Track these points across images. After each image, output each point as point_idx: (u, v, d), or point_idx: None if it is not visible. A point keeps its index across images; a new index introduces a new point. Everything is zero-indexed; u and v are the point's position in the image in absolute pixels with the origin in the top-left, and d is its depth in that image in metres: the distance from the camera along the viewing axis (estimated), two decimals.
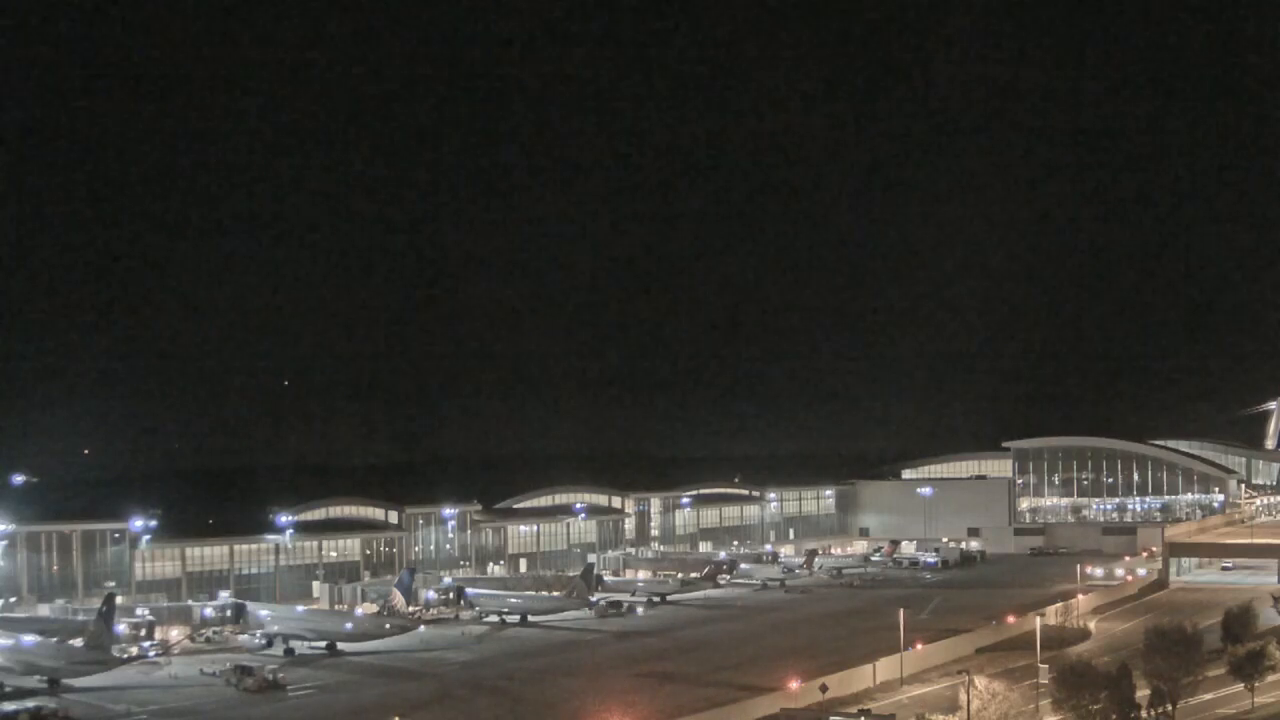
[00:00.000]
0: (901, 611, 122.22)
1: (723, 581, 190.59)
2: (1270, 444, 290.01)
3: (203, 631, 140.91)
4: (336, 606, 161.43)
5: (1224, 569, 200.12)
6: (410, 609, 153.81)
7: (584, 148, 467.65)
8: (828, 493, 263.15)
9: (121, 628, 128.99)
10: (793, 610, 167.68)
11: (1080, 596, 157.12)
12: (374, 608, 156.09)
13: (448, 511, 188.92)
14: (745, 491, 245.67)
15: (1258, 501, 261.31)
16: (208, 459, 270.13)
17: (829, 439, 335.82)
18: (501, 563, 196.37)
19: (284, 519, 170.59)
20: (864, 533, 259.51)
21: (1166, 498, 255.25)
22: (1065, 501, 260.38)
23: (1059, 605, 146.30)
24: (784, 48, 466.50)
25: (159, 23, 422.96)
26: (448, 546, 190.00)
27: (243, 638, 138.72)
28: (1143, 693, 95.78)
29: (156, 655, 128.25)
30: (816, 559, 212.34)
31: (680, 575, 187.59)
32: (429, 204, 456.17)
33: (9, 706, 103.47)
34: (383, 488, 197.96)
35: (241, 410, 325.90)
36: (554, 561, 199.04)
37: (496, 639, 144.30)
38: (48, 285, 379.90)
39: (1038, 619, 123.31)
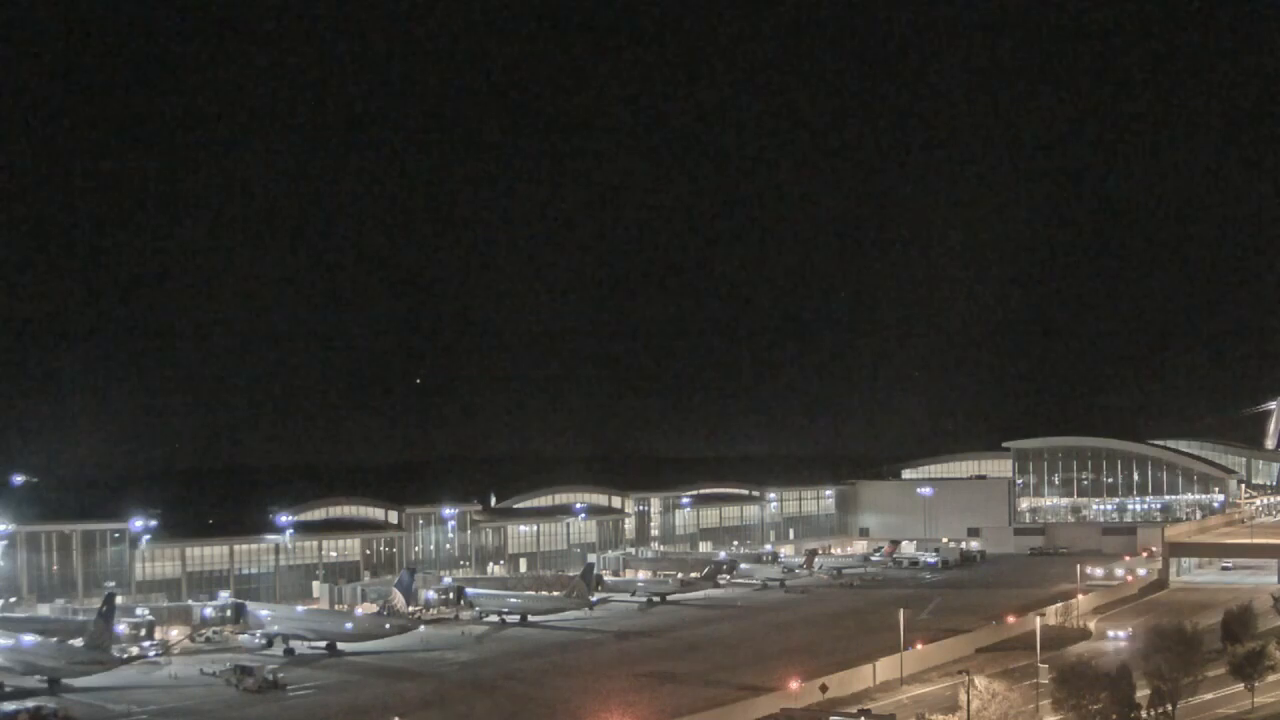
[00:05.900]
0: (901, 611, 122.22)
1: (723, 581, 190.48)
2: (1270, 444, 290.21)
3: (203, 631, 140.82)
4: (336, 606, 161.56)
5: (1224, 569, 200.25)
6: (410, 609, 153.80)
7: (585, 147, 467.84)
8: (828, 493, 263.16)
9: (121, 628, 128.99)
10: (793, 610, 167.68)
11: (1080, 596, 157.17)
12: (374, 608, 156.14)
13: (448, 511, 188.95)
14: (745, 491, 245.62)
15: (1258, 501, 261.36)
16: (208, 459, 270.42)
17: (829, 439, 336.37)
18: (501, 563, 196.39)
19: (284, 519, 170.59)
20: (864, 533, 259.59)
21: (1166, 498, 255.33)
22: (1065, 501, 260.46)
23: (1059, 605, 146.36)
24: (784, 47, 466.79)
25: (165, 21, 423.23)
26: (448, 546, 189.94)
27: (243, 638, 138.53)
28: (1143, 693, 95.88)
29: (156, 655, 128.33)
30: (816, 559, 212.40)
31: (680, 575, 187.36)
32: (429, 204, 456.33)
33: (9, 706, 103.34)
34: (383, 488, 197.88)
35: (241, 410, 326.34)
36: (554, 561, 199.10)
37: (496, 639, 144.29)
38: (48, 285, 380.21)
39: (1038, 619, 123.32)
